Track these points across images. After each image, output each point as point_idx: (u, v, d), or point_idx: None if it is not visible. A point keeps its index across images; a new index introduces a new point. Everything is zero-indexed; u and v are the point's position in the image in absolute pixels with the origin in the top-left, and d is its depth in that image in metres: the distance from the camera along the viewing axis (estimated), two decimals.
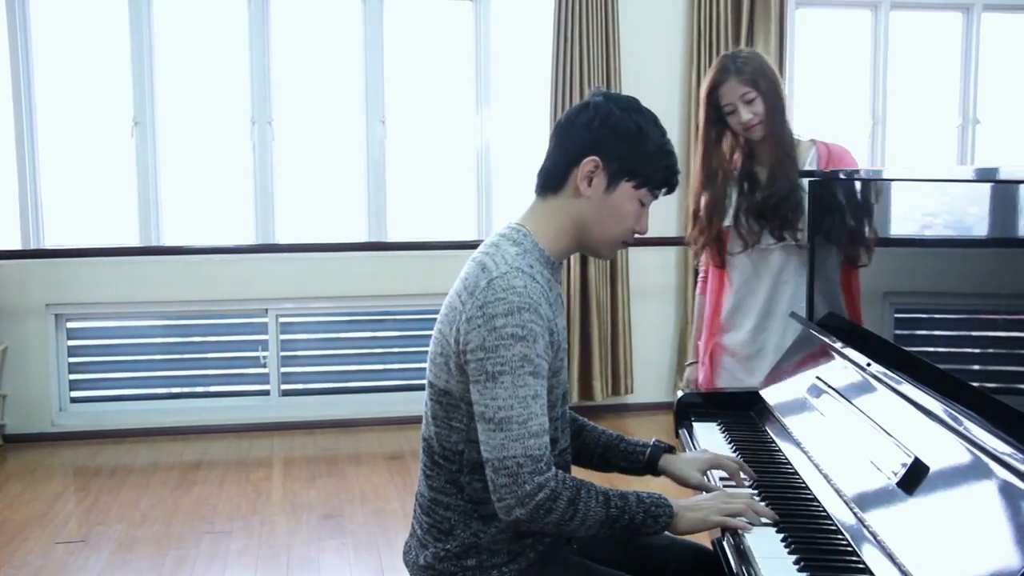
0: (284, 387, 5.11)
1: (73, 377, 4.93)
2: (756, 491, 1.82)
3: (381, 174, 5.09)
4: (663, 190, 1.72)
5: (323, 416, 5.04)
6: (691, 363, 2.81)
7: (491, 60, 5.12)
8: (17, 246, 4.80)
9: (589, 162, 1.66)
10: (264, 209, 5.04)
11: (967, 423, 1.44)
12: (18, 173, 4.79)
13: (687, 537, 2.17)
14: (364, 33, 5.04)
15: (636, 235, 1.76)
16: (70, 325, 4.91)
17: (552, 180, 1.70)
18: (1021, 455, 1.27)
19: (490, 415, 1.56)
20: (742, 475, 1.87)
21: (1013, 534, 1.20)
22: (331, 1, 5.04)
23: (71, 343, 4.92)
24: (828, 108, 5.49)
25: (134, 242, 4.92)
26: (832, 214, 2.33)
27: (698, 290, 2.79)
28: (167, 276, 4.88)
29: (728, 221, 2.55)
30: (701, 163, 2.58)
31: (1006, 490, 1.27)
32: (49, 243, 4.88)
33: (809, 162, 2.55)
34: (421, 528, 1.75)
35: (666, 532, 1.68)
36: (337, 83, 5.08)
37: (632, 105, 1.69)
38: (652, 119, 1.70)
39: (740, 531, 1.62)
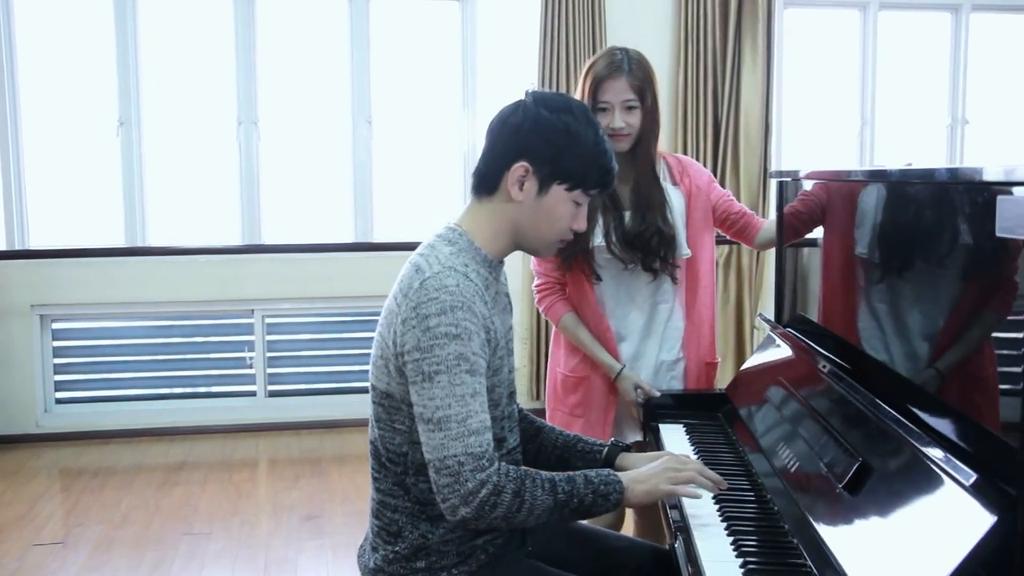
0: (271, 388, 5.10)
1: (58, 378, 4.93)
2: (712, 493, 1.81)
3: (367, 174, 5.08)
4: (598, 190, 1.71)
5: (310, 417, 5.04)
6: (621, 369, 2.46)
7: (477, 61, 5.11)
8: (2, 247, 4.80)
9: (519, 167, 1.64)
10: (250, 209, 5.03)
11: (909, 427, 1.43)
12: (2, 173, 4.79)
13: (645, 539, 2.18)
14: (350, 33, 5.03)
15: (576, 233, 1.75)
16: (55, 326, 4.90)
17: (485, 183, 1.69)
18: (957, 461, 1.26)
19: (429, 415, 1.55)
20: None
21: (949, 542, 1.19)
22: (317, 1, 5.04)
23: (56, 344, 4.92)
24: (816, 108, 5.47)
25: (119, 242, 4.92)
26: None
27: (556, 309, 2.50)
28: (153, 277, 4.88)
29: (599, 240, 2.39)
30: None
31: (944, 496, 1.26)
32: (34, 243, 4.88)
33: (660, 176, 2.44)
34: (372, 531, 1.75)
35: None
36: (323, 83, 5.07)
37: (562, 105, 1.66)
38: (584, 118, 1.66)
39: (689, 497, 1.66)
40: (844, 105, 5.48)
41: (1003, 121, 5.62)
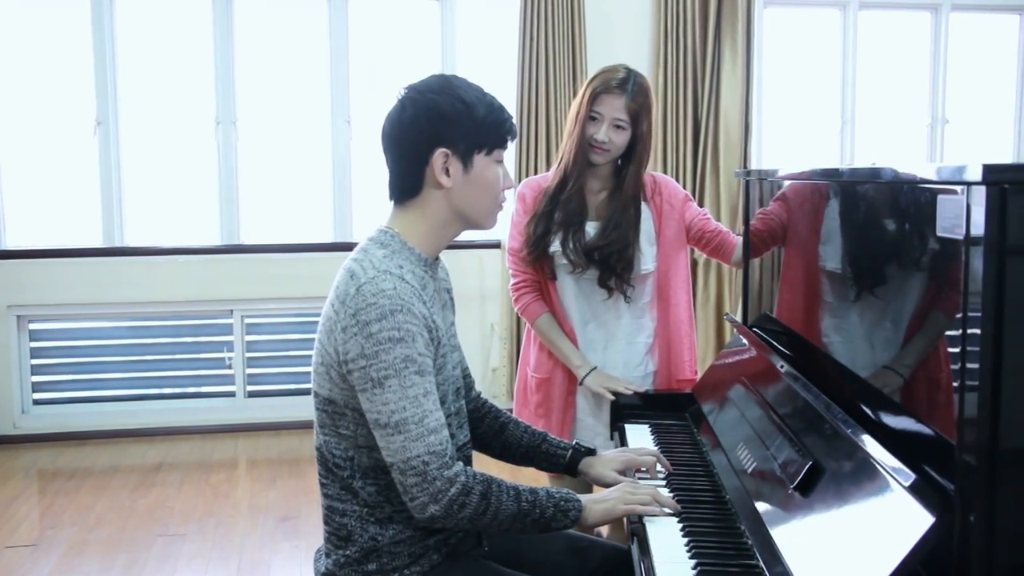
0: (250, 388, 5.09)
1: (36, 379, 4.90)
2: (672, 492, 1.82)
3: (347, 174, 5.07)
4: (509, 140, 1.73)
5: (289, 417, 5.01)
6: (592, 369, 2.50)
7: (457, 60, 5.10)
8: None
9: (439, 156, 1.65)
10: (229, 210, 5.01)
11: (856, 427, 1.43)
12: None
13: (614, 538, 2.18)
14: (329, 33, 5.01)
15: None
16: (32, 327, 4.87)
17: (407, 187, 1.69)
18: (897, 462, 1.26)
19: (384, 420, 1.55)
20: (658, 467, 1.92)
21: (890, 543, 1.18)
22: (296, 0, 5.02)
23: (33, 345, 4.89)
24: (797, 108, 5.47)
25: (97, 243, 4.89)
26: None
27: (533, 308, 2.53)
28: (131, 277, 4.85)
29: (555, 246, 2.44)
30: (568, 162, 2.43)
31: (886, 496, 1.25)
32: (11, 244, 4.85)
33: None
34: (324, 536, 1.75)
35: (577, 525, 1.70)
36: (302, 83, 5.05)
37: (443, 83, 1.68)
38: (466, 85, 1.69)
39: (644, 522, 1.66)
40: (824, 105, 5.48)
41: (983, 120, 5.63)
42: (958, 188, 1.11)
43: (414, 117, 1.65)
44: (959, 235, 1.11)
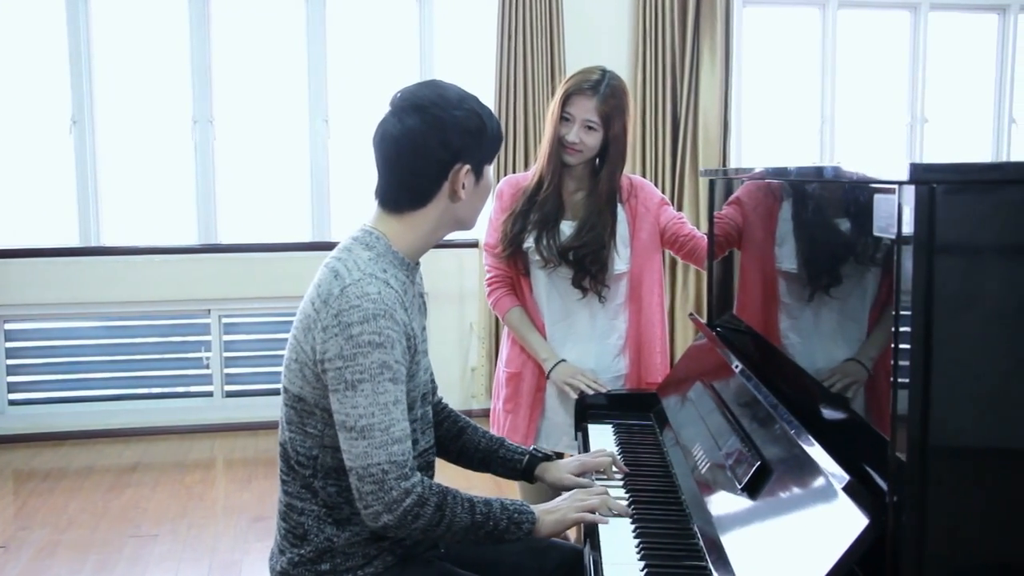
0: (227, 388, 5.07)
1: (11, 379, 4.87)
2: (628, 494, 1.81)
3: (324, 174, 5.05)
4: None
5: (267, 417, 4.99)
6: (559, 361, 2.50)
7: (435, 60, 5.09)
8: None
9: (462, 171, 1.65)
10: (206, 209, 4.99)
11: (799, 428, 1.42)
12: None
13: (575, 541, 2.17)
14: (307, 31, 5.00)
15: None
16: (8, 327, 4.84)
17: (415, 198, 1.67)
18: (835, 463, 1.26)
19: (351, 423, 1.54)
20: (614, 469, 1.92)
21: (826, 544, 1.18)
22: None
23: (9, 345, 4.86)
24: (776, 107, 5.47)
25: (73, 242, 4.87)
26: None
27: (503, 303, 2.56)
28: (107, 277, 4.83)
29: (529, 243, 2.45)
30: (544, 162, 2.44)
31: (825, 498, 1.25)
32: None
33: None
34: (279, 534, 1.74)
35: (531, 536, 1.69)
36: (280, 82, 5.03)
37: (456, 96, 1.66)
38: (463, 93, 1.68)
39: (597, 524, 1.66)
40: (804, 104, 5.48)
41: (962, 119, 5.65)
42: (893, 187, 1.11)
43: (435, 132, 1.62)
44: (892, 234, 1.11)
